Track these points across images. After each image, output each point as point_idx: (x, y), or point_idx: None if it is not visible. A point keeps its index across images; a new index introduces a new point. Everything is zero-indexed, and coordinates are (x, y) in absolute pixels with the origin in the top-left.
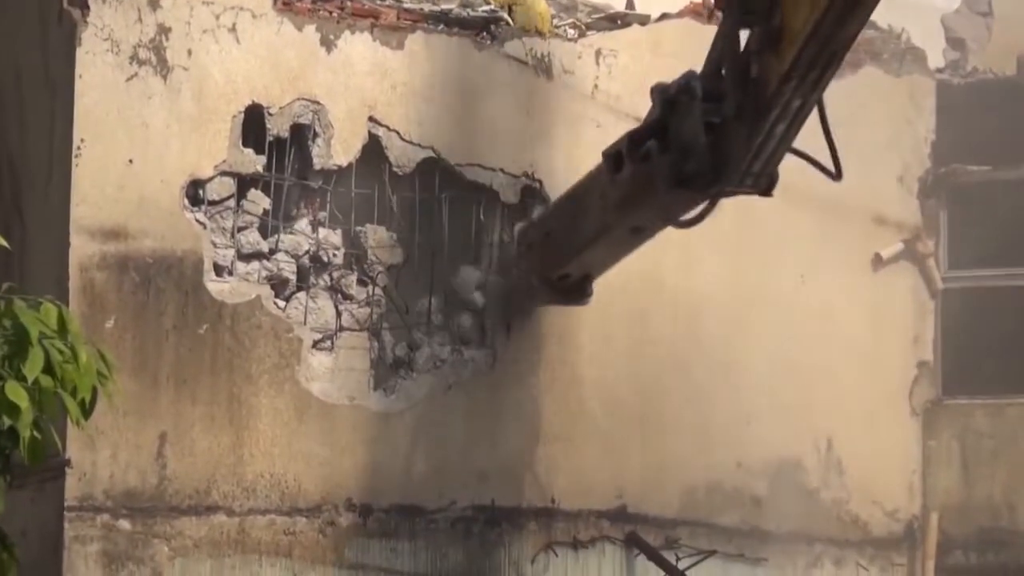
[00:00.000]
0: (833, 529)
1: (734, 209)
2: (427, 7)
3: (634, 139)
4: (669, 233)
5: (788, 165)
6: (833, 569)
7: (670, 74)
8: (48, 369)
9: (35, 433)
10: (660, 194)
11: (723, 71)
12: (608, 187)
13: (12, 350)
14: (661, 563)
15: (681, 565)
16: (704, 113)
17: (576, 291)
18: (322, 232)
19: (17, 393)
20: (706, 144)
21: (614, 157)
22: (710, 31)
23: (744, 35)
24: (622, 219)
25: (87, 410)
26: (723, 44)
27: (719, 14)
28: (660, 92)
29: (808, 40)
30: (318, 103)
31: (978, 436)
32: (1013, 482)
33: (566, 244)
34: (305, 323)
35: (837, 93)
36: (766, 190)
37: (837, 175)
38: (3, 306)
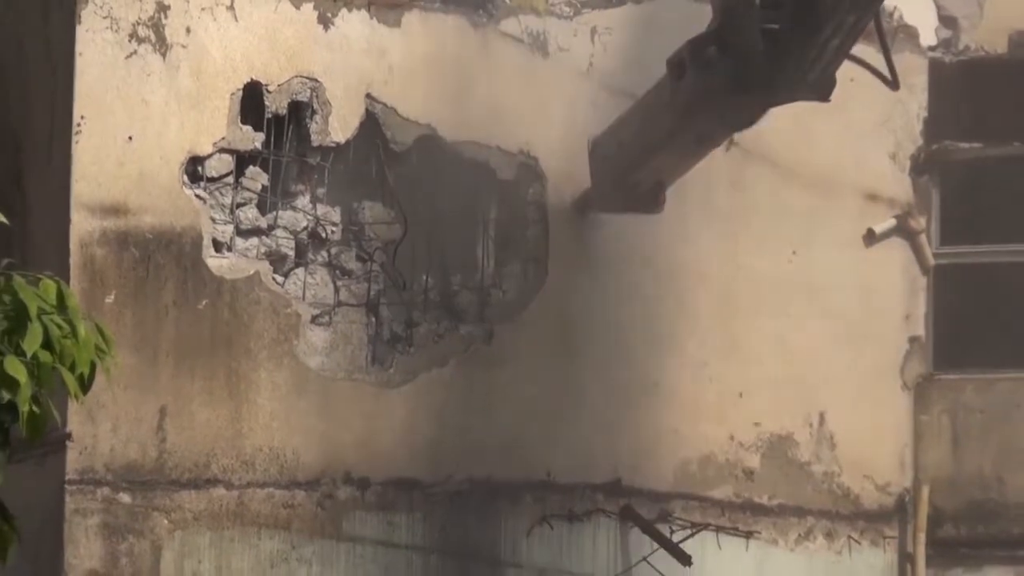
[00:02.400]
0: (825, 502)
1: (727, 185)
2: None
3: (695, 46)
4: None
5: (781, 144)
6: (824, 542)
7: (664, 52)
8: (47, 344)
9: (34, 408)
10: (720, 99)
11: None
12: (672, 94)
13: (11, 325)
14: (655, 535)
15: (675, 538)
16: (761, 20)
17: (649, 200)
18: (320, 208)
19: (16, 368)
20: (763, 51)
21: (677, 64)
22: (703, 9)
23: None
24: (686, 126)
25: (86, 385)
26: None
27: None
28: (720, 0)
29: None
30: (316, 81)
31: (969, 411)
32: (1003, 456)
33: (637, 152)
34: (303, 298)
35: None
36: (823, 96)
37: (895, 85)
38: (2, 282)
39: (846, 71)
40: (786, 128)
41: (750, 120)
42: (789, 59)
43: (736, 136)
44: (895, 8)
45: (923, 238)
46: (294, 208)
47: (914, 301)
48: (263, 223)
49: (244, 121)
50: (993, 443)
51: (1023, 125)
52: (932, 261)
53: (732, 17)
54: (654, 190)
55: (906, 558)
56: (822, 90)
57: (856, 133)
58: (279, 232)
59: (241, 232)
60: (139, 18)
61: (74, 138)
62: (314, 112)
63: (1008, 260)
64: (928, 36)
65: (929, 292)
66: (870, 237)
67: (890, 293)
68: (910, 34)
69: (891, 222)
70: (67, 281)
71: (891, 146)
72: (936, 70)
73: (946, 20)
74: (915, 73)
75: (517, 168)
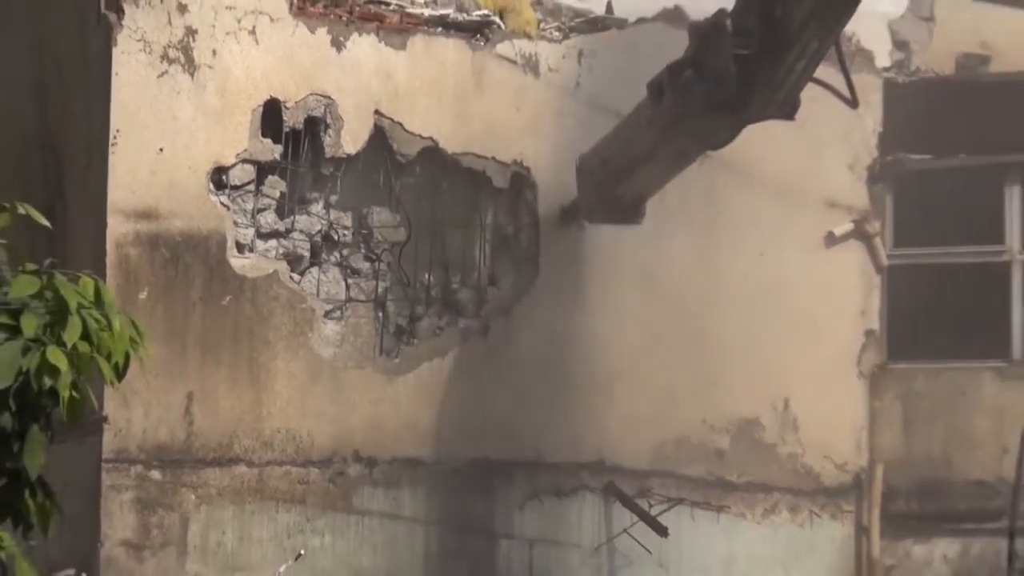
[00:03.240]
0: (789, 480)
1: (702, 192)
2: (427, 12)
3: (673, 70)
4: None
5: (750, 156)
6: (788, 515)
7: (646, 73)
8: (85, 336)
9: (73, 393)
10: (696, 119)
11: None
12: (653, 114)
13: (53, 319)
14: (635, 509)
15: (653, 511)
16: (733, 46)
17: (631, 212)
18: (333, 213)
19: (57, 357)
20: (735, 74)
21: (657, 87)
22: (681, 34)
23: None
24: (666, 143)
25: (120, 372)
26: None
27: None
28: (695, 28)
29: None
30: (329, 98)
31: (918, 397)
32: (949, 438)
33: (620, 168)
34: (317, 295)
35: None
36: (789, 115)
37: (854, 103)
38: (45, 280)
39: (808, 91)
40: (755, 142)
41: (724, 139)
42: (758, 81)
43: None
44: (853, 33)
45: (878, 241)
46: (309, 213)
47: (869, 298)
48: (281, 227)
49: (264, 134)
50: (940, 427)
51: (968, 139)
52: (886, 262)
53: (706, 43)
54: (635, 203)
55: (862, 530)
56: (788, 109)
57: (817, 146)
58: (296, 235)
59: (261, 235)
60: (170, 41)
61: (111, 150)
62: (328, 126)
63: (954, 261)
64: (883, 58)
65: (883, 290)
66: (830, 239)
67: (848, 290)
68: (867, 57)
69: (849, 226)
70: (104, 279)
71: (849, 158)
72: (890, 89)
73: (899, 44)
74: (871, 92)
75: (511, 177)
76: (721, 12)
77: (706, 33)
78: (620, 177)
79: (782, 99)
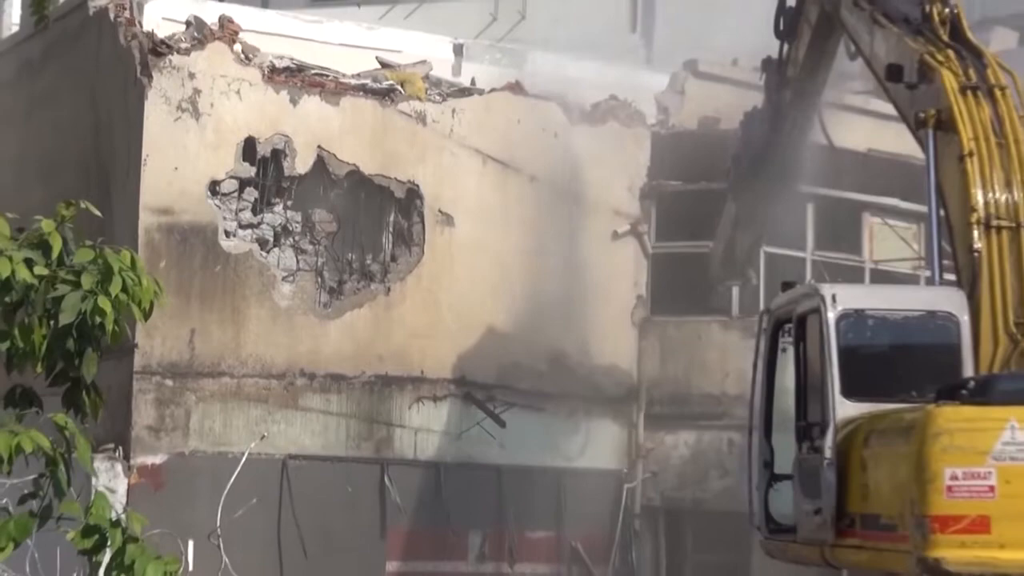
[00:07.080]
0: (585, 391)
1: (533, 206)
2: (353, 81)
3: (734, 154)
4: (493, 216)
5: (564, 180)
6: (584, 415)
7: (499, 124)
8: (124, 289)
9: (115, 327)
10: (746, 179)
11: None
12: (729, 195)
13: (103, 277)
14: (485, 409)
15: (497, 411)
16: (761, 133)
17: (742, 275)
18: (289, 213)
19: (105, 303)
20: (762, 145)
21: (726, 171)
22: (521, 100)
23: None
24: (738, 207)
25: (147, 314)
26: (766, 95)
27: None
28: (742, 124)
29: (797, 79)
30: (288, 136)
31: (670, 339)
32: (690, 366)
33: (726, 245)
34: (278, 266)
35: (595, 137)
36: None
37: (831, 145)
38: (98, 251)
39: (605, 136)
40: (568, 171)
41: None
42: (769, 144)
43: (539, 173)
44: (632, 101)
45: (645, 237)
46: (273, 212)
47: (640, 274)
48: (255, 221)
49: (244, 160)
50: (684, 359)
51: (706, 171)
52: (651, 251)
53: (747, 130)
54: (744, 267)
55: (632, 425)
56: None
57: (608, 174)
58: (264, 226)
59: (241, 226)
60: (183, 97)
61: (142, 168)
62: (286, 155)
63: (697, 251)
64: (651, 118)
65: (649, 269)
66: (614, 236)
67: (625, 269)
68: (640, 117)
69: (627, 227)
70: (136, 252)
71: (628, 181)
72: (656, 138)
73: (662, 109)
74: (643, 139)
75: (407, 191)
76: (755, 109)
77: (746, 124)
78: (727, 249)
79: (784, 157)
